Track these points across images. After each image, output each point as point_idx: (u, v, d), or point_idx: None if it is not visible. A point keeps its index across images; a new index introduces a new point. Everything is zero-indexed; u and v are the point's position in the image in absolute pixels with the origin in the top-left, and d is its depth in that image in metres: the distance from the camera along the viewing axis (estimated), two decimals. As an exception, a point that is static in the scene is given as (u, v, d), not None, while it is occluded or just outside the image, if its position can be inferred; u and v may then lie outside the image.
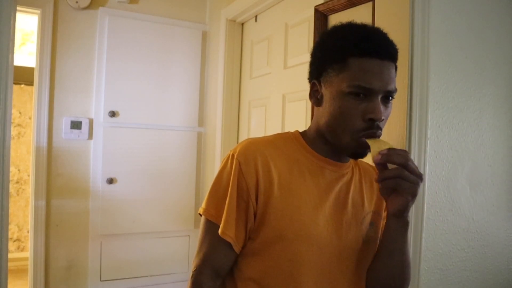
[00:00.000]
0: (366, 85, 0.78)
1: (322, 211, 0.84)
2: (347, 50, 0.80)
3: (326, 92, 0.84)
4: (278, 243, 0.82)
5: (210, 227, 0.85)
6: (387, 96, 0.80)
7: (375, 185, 0.93)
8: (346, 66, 0.80)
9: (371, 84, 0.78)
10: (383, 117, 0.78)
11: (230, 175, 0.84)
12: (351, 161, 0.92)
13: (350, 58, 0.80)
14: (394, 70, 0.82)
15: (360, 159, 0.93)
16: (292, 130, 0.95)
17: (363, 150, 0.81)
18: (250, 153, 0.84)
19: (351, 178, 0.90)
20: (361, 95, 0.79)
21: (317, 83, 0.87)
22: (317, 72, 0.87)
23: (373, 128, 0.79)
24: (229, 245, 0.83)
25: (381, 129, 0.81)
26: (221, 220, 0.83)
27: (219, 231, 0.83)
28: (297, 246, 0.82)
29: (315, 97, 0.88)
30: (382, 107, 0.79)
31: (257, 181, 0.82)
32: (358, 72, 0.79)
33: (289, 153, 0.87)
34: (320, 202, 0.84)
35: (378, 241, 0.91)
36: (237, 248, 0.84)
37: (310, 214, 0.83)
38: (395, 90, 0.81)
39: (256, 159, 0.83)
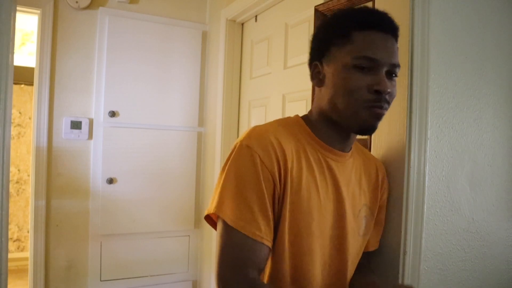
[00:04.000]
0: (372, 56, 0.78)
1: (327, 203, 0.85)
2: (350, 25, 0.80)
3: (329, 70, 0.83)
4: (290, 237, 0.80)
5: (234, 232, 0.75)
6: (391, 71, 0.80)
7: (373, 179, 0.94)
8: (350, 40, 0.79)
9: (376, 55, 0.78)
10: (389, 90, 0.78)
11: (252, 171, 0.76)
12: (353, 150, 0.92)
13: (353, 32, 0.79)
14: (396, 46, 0.83)
15: (364, 150, 0.96)
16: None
17: (373, 123, 0.80)
18: (267, 145, 0.78)
19: (351, 168, 0.90)
20: (366, 68, 0.78)
21: (319, 64, 0.86)
22: (319, 53, 0.86)
23: (380, 101, 0.78)
24: (265, 247, 0.77)
25: (388, 104, 0.80)
26: (251, 221, 0.75)
27: (250, 232, 0.75)
28: (306, 240, 0.82)
29: (317, 78, 0.86)
30: (388, 81, 0.79)
31: (279, 173, 0.78)
32: (362, 44, 0.79)
33: (297, 143, 0.83)
34: (326, 194, 0.84)
35: (366, 242, 0.95)
36: (270, 244, 0.79)
37: (317, 207, 0.82)
38: (399, 65, 0.81)
39: (275, 150, 0.78)
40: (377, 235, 1.01)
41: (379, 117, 0.80)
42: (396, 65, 0.80)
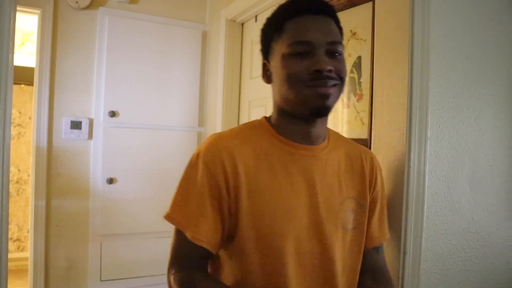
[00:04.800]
0: (304, 39, 0.78)
1: (295, 200, 0.81)
2: (283, 16, 0.83)
3: (273, 65, 0.85)
4: (254, 240, 0.80)
5: (181, 233, 0.82)
6: (332, 51, 0.80)
7: (358, 171, 0.90)
8: (284, 31, 0.82)
9: (308, 37, 0.78)
10: (329, 67, 0.77)
11: (198, 177, 0.80)
12: (329, 143, 0.89)
13: (286, 23, 0.82)
14: (333, 24, 0.82)
15: (353, 143, 0.94)
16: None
17: (320, 102, 0.78)
18: (215, 151, 0.81)
19: (326, 160, 0.86)
20: (303, 53, 0.78)
21: (266, 63, 0.88)
22: (265, 52, 0.88)
23: (322, 78, 0.77)
24: (204, 249, 0.80)
25: (335, 80, 0.79)
26: (190, 224, 0.80)
27: (190, 235, 0.80)
28: (273, 242, 0.79)
29: (266, 76, 0.89)
30: (328, 59, 0.78)
31: (226, 178, 0.79)
32: (294, 30, 0.80)
33: (256, 144, 0.84)
34: (292, 191, 0.81)
35: (364, 234, 0.90)
36: (214, 250, 0.82)
37: (281, 207, 0.80)
38: (339, 42, 0.81)
39: (222, 156, 0.80)
40: (381, 228, 0.95)
41: (325, 95, 0.78)
42: (334, 43, 0.80)
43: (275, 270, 0.80)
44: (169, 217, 0.84)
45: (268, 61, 0.87)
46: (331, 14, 0.83)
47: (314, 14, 0.80)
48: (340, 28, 0.85)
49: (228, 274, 0.84)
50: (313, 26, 0.80)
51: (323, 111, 0.80)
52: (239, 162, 0.80)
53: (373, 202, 0.93)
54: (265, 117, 0.91)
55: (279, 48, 0.82)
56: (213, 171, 0.79)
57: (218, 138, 0.84)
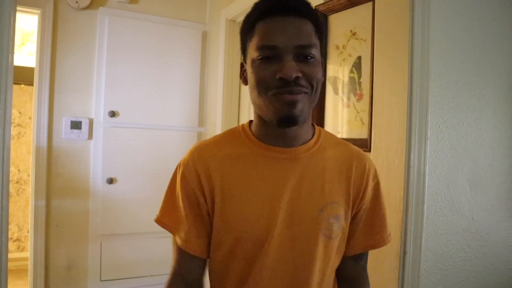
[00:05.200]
0: (270, 43, 0.73)
1: (268, 205, 0.78)
2: (254, 17, 0.78)
3: (247, 67, 0.81)
4: (226, 245, 0.81)
5: (174, 238, 0.86)
6: (303, 54, 0.74)
7: (345, 175, 0.83)
8: (254, 33, 0.77)
9: (274, 41, 0.73)
10: (295, 74, 0.71)
11: (177, 186, 0.85)
12: (316, 144, 0.84)
13: (256, 24, 0.77)
14: (307, 25, 0.75)
15: (348, 146, 0.87)
16: None
17: (287, 111, 0.73)
18: (191, 161, 0.84)
19: (307, 162, 0.82)
20: (271, 57, 0.73)
21: (244, 64, 0.84)
22: (242, 53, 0.84)
23: (288, 86, 0.72)
24: (186, 252, 0.83)
25: (303, 87, 0.73)
26: (176, 229, 0.85)
27: (179, 243, 0.83)
28: (243, 245, 0.79)
29: (243, 77, 0.85)
30: (297, 64, 0.72)
31: (202, 187, 0.82)
32: (261, 33, 0.75)
33: (232, 150, 0.83)
34: (265, 195, 0.79)
35: (344, 243, 0.84)
36: (203, 255, 0.84)
37: (251, 211, 0.79)
38: (310, 45, 0.74)
39: (196, 166, 0.83)
40: (367, 237, 0.87)
41: (292, 104, 0.73)
42: (303, 46, 0.73)
43: (247, 275, 0.80)
44: (158, 221, 0.91)
45: (245, 62, 0.83)
46: (306, 14, 0.76)
47: (285, 15, 0.74)
48: (318, 28, 0.78)
49: (212, 279, 0.88)
50: (281, 29, 0.74)
51: (291, 120, 0.74)
52: (213, 170, 0.82)
53: (361, 211, 0.85)
54: (250, 121, 0.89)
55: (250, 51, 0.78)
56: (189, 180, 0.83)
57: (197, 148, 0.87)
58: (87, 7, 2.32)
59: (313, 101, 0.77)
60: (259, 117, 0.82)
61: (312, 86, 0.75)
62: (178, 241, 0.84)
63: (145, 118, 2.43)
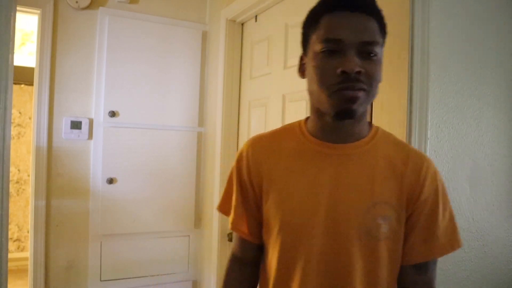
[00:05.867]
0: (335, 37, 0.75)
1: (313, 199, 0.80)
2: (320, 10, 0.80)
3: (307, 60, 0.83)
4: (272, 234, 0.85)
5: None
6: (367, 51, 0.75)
7: (400, 178, 0.80)
8: (319, 26, 0.79)
9: (339, 35, 0.74)
10: (357, 69, 0.72)
11: (232, 174, 0.92)
12: (371, 141, 0.83)
13: (322, 18, 0.79)
14: (372, 23, 0.76)
15: (406, 147, 0.85)
16: None
17: (345, 106, 0.74)
18: (245, 151, 0.90)
19: (358, 160, 0.81)
20: (334, 52, 0.75)
21: (303, 56, 0.87)
22: (303, 46, 0.86)
23: (348, 81, 0.73)
24: (237, 235, 0.93)
25: (363, 83, 0.74)
26: (229, 214, 0.93)
27: (230, 226, 0.92)
28: (286, 237, 0.82)
29: (301, 70, 0.88)
30: (359, 61, 0.74)
31: (251, 176, 0.87)
32: (327, 27, 0.77)
33: (284, 144, 0.88)
34: (311, 190, 0.81)
35: (399, 247, 0.80)
36: (251, 239, 0.91)
37: (296, 204, 0.81)
38: (374, 42, 0.75)
39: (248, 156, 0.89)
40: (427, 244, 0.81)
41: (351, 99, 0.74)
42: (367, 43, 0.74)
43: (287, 264, 0.83)
44: (218, 208, 0.98)
45: (305, 55, 0.85)
46: (372, 12, 0.77)
47: (352, 11, 0.76)
48: (382, 29, 0.78)
49: (262, 266, 0.92)
50: (347, 24, 0.75)
51: (348, 114, 0.76)
52: (263, 161, 0.87)
53: (416, 214, 0.81)
54: (307, 117, 0.91)
55: (313, 44, 0.79)
56: (241, 169, 0.90)
57: (252, 139, 0.93)
58: (87, 7, 2.32)
59: (370, 99, 0.78)
60: (316, 111, 0.84)
61: (371, 84, 0.75)
62: (229, 224, 0.92)
63: (145, 118, 2.43)
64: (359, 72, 0.73)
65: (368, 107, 0.85)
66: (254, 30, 2.23)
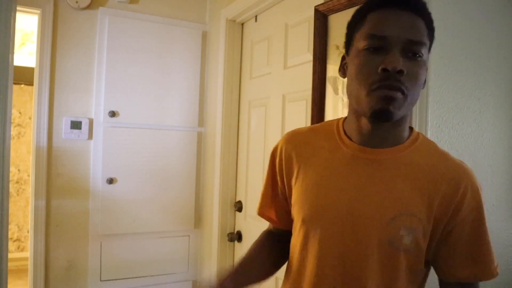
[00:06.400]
0: (380, 33, 0.72)
1: (336, 199, 0.78)
2: (367, 8, 0.77)
3: (349, 58, 0.81)
4: (296, 226, 0.87)
5: None
6: (412, 50, 0.71)
7: (433, 192, 0.76)
8: (364, 23, 0.76)
9: (385, 32, 0.71)
10: (399, 67, 0.69)
11: (268, 165, 0.97)
12: (407, 148, 0.79)
13: (368, 15, 0.76)
14: (420, 23, 0.73)
15: (447, 159, 0.79)
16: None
17: (381, 106, 0.71)
18: (279, 144, 0.93)
19: (390, 167, 0.78)
20: (378, 49, 0.72)
21: (346, 56, 0.84)
22: (347, 45, 0.84)
23: (387, 79, 0.70)
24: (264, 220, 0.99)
25: (402, 83, 0.70)
26: (259, 204, 1.00)
27: (257, 211, 0.99)
28: (304, 232, 0.83)
29: (342, 69, 0.85)
30: (403, 60, 0.70)
31: (281, 168, 0.91)
32: (372, 23, 0.74)
33: (317, 141, 0.87)
34: (336, 191, 0.79)
35: (420, 260, 0.77)
36: (279, 225, 0.97)
37: (319, 202, 0.81)
38: (421, 43, 0.72)
39: (282, 149, 0.91)
40: (478, 263, 0.78)
41: (388, 99, 0.70)
42: (414, 42, 0.71)
43: (302, 259, 0.84)
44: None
45: (348, 54, 0.82)
46: (421, 12, 0.74)
47: (400, 9, 0.72)
48: (430, 30, 0.75)
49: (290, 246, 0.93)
50: (394, 21, 0.72)
51: (384, 115, 0.72)
52: (294, 155, 0.88)
53: (456, 232, 0.77)
54: (346, 117, 0.88)
55: (357, 41, 0.76)
56: (273, 160, 0.94)
57: (288, 133, 0.95)
58: (87, 7, 2.32)
59: (410, 103, 0.74)
60: (353, 111, 0.81)
61: (413, 87, 0.72)
62: (257, 210, 1.00)
63: (145, 118, 2.43)
64: (401, 72, 0.70)
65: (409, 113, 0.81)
66: (254, 30, 2.23)
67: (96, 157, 2.33)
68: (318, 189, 0.82)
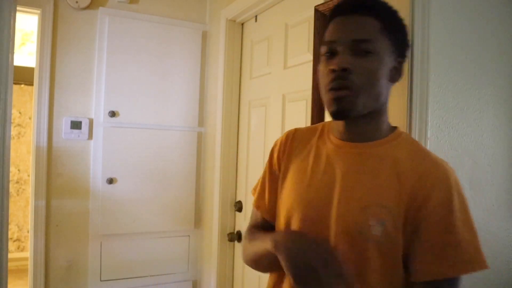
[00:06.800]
0: (329, 39, 0.80)
1: (315, 193, 0.83)
2: (328, 20, 0.85)
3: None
4: (279, 216, 0.92)
5: None
6: (360, 48, 0.76)
7: (403, 185, 0.77)
8: (325, 32, 0.84)
9: (332, 37, 0.79)
10: (343, 66, 0.75)
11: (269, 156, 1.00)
12: (385, 143, 0.82)
13: (328, 25, 0.84)
14: (370, 21, 0.78)
15: (426, 155, 0.81)
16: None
17: (333, 107, 0.77)
18: (279, 139, 0.98)
19: (365, 161, 0.81)
20: (330, 54, 0.79)
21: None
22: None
23: (334, 80, 0.76)
24: (257, 211, 0.99)
25: (350, 81, 0.75)
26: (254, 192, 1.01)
27: (253, 203, 1.00)
28: (286, 221, 0.88)
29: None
30: (352, 58, 0.76)
31: (279, 161, 0.95)
32: (328, 31, 0.82)
33: (309, 138, 0.93)
34: (317, 183, 0.84)
35: (395, 253, 0.75)
36: (268, 216, 0.96)
37: (297, 193, 0.87)
38: (367, 40, 0.76)
39: (280, 144, 0.96)
40: (430, 262, 0.74)
41: (336, 100, 0.76)
42: (360, 41, 0.76)
43: None
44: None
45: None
46: (369, 12, 0.78)
47: (348, 14, 0.79)
48: (387, 26, 0.79)
49: None
50: (341, 26, 0.79)
51: (337, 115, 0.78)
52: (288, 150, 0.94)
53: (424, 226, 0.75)
54: None
55: (321, 49, 0.83)
56: (273, 154, 0.97)
57: (289, 130, 0.99)
58: (87, 7, 2.32)
59: (369, 98, 0.78)
60: None
61: (367, 82, 0.76)
62: (253, 202, 1.01)
63: (145, 118, 2.43)
64: (345, 70, 0.74)
65: (385, 109, 0.84)
66: (254, 30, 2.23)
67: (96, 157, 2.33)
68: (303, 182, 0.87)
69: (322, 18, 1.49)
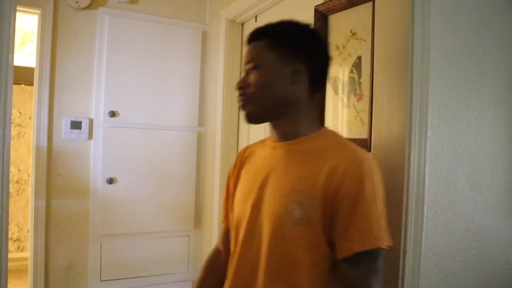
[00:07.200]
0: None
1: (250, 189, 0.98)
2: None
3: None
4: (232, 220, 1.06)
5: None
6: (248, 68, 0.97)
7: (317, 173, 0.87)
8: None
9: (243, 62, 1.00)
10: (239, 85, 0.97)
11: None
12: (300, 141, 0.95)
13: None
14: (258, 45, 0.96)
15: (345, 148, 0.91)
16: None
17: (243, 114, 0.98)
18: (235, 160, 1.13)
19: (292, 154, 0.95)
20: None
21: None
22: None
23: (239, 94, 0.98)
24: (223, 224, 1.15)
25: (244, 93, 0.96)
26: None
27: (222, 219, 1.16)
28: (232, 220, 1.04)
29: None
30: (245, 77, 0.97)
31: (233, 176, 1.10)
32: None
33: (255, 152, 1.08)
34: (250, 182, 1.00)
35: (317, 234, 0.86)
36: (227, 224, 1.13)
37: (240, 192, 1.03)
38: (249, 61, 0.96)
39: (237, 158, 1.12)
40: (344, 240, 0.84)
41: (241, 107, 0.98)
42: (247, 63, 0.97)
43: (232, 246, 1.03)
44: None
45: None
46: (261, 36, 0.97)
47: (250, 43, 0.99)
48: (273, 41, 0.94)
49: None
50: (245, 53, 1.00)
51: (247, 119, 0.98)
52: (242, 162, 1.09)
53: (338, 209, 0.85)
54: None
55: None
56: (230, 171, 1.13)
57: (241, 149, 1.15)
58: (87, 7, 2.32)
59: (265, 102, 0.95)
60: None
61: (254, 90, 0.94)
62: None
63: (145, 118, 2.43)
64: (240, 88, 0.97)
65: (309, 109, 0.97)
66: (254, 30, 2.23)
67: (96, 157, 2.33)
68: (241, 186, 1.04)
69: (322, 18, 1.49)
